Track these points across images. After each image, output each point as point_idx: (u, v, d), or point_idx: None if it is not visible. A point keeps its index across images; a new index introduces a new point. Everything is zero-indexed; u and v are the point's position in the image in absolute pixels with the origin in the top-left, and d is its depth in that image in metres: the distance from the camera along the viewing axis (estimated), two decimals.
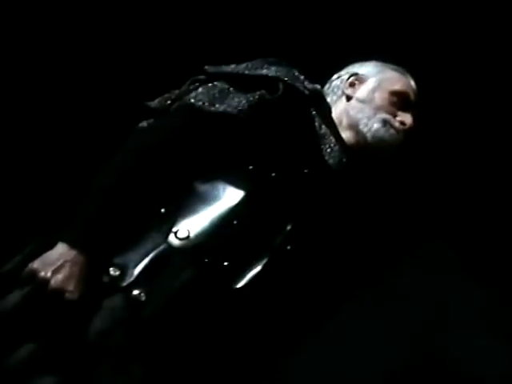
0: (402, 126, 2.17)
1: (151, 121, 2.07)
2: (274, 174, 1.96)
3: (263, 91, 2.00)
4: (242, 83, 2.02)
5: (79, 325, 1.78)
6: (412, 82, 2.23)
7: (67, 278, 1.77)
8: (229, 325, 1.92)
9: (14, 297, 1.80)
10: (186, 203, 1.93)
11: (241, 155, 1.97)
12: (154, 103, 2.09)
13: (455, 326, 3.20)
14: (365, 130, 2.15)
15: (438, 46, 2.98)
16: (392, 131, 2.16)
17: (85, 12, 2.94)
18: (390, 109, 2.17)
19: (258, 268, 1.91)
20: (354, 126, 2.16)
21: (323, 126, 2.08)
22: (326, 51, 2.72)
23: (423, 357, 3.19)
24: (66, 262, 1.78)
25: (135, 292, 1.82)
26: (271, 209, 1.96)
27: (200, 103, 1.99)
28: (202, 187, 1.95)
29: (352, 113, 2.18)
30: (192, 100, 2.00)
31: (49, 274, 1.76)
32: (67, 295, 1.76)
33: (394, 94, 2.18)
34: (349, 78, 2.23)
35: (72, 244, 1.80)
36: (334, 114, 2.15)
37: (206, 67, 2.10)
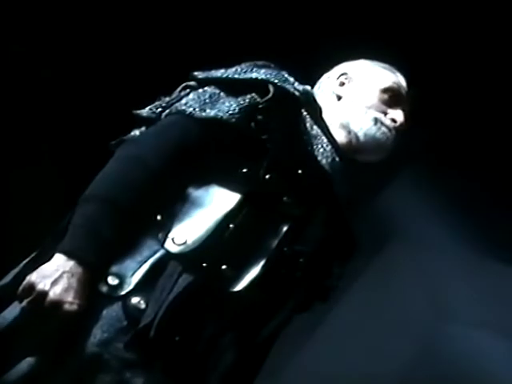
0: (393, 124, 2.18)
1: (143, 129, 2.07)
2: (267, 177, 1.96)
3: (254, 94, 2.00)
4: (232, 87, 2.02)
5: (79, 336, 1.78)
6: (401, 79, 2.24)
7: (66, 290, 1.76)
8: (228, 328, 1.91)
9: (13, 310, 1.79)
10: (182, 209, 1.92)
11: (234, 159, 1.97)
12: (145, 111, 2.09)
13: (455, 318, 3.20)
14: (356, 129, 2.16)
15: (427, 39, 2.99)
16: (384, 129, 2.17)
17: (74, 22, 2.95)
18: (381, 106, 2.18)
19: (257, 271, 1.91)
20: (345, 126, 2.17)
21: (315, 127, 2.09)
22: (313, 52, 2.73)
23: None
24: (63, 273, 1.77)
25: (134, 300, 1.82)
26: (266, 211, 1.96)
27: (191, 109, 1.99)
28: (197, 192, 1.95)
29: (343, 112, 2.19)
30: (183, 107, 2.00)
31: (47, 286, 1.75)
32: (66, 307, 1.75)
33: (383, 91, 2.19)
34: (338, 78, 2.23)
35: (69, 255, 1.79)
36: (325, 114, 2.15)
37: (196, 73, 2.11)
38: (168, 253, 1.87)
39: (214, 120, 1.96)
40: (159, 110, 2.07)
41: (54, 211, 2.08)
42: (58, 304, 1.75)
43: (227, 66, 2.09)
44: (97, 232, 1.82)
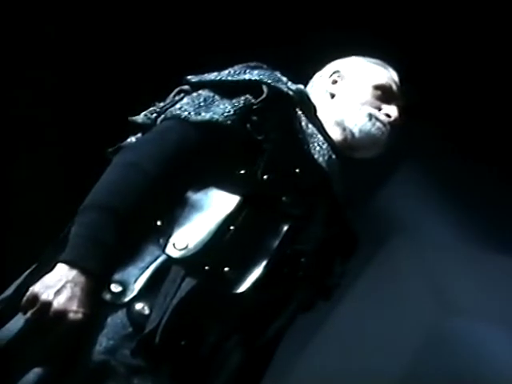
0: (387, 119, 2.19)
1: (139, 135, 2.07)
2: (265, 177, 1.96)
3: (248, 95, 2.00)
4: (226, 89, 2.03)
5: (85, 345, 1.78)
6: (394, 74, 2.25)
7: (69, 299, 1.76)
8: (233, 330, 1.91)
9: (18, 322, 1.79)
10: (182, 213, 1.92)
11: (231, 161, 1.97)
12: (141, 117, 2.09)
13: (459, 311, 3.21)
14: (351, 125, 2.17)
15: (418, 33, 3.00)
16: (378, 124, 2.17)
17: (65, 31, 2.95)
18: (375, 102, 2.19)
19: (259, 271, 1.91)
20: (340, 123, 2.17)
21: (310, 125, 2.09)
22: (303, 50, 2.73)
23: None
24: (67, 282, 1.77)
25: (138, 306, 1.82)
26: (266, 212, 1.96)
27: (186, 113, 1.99)
28: (196, 196, 1.95)
29: (337, 110, 2.19)
30: (178, 111, 2.00)
31: (51, 296, 1.75)
32: (71, 316, 1.75)
33: (376, 87, 2.20)
34: (331, 76, 2.24)
35: (72, 264, 1.79)
36: (320, 113, 2.16)
37: (189, 77, 2.11)
38: (170, 258, 1.87)
39: (210, 123, 1.96)
40: (154, 115, 2.08)
41: (54, 220, 2.07)
42: (62, 313, 1.75)
43: (219, 67, 2.09)
44: (98, 240, 1.82)
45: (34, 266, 1.90)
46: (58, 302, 1.75)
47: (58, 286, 1.76)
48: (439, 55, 3.09)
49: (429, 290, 3.37)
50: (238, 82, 2.03)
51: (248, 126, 1.98)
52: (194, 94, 2.04)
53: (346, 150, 2.18)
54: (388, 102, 2.20)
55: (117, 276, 1.84)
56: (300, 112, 2.08)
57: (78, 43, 3.02)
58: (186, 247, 1.88)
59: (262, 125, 1.99)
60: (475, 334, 3.27)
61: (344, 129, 2.17)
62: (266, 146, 1.98)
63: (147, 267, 1.86)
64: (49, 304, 1.75)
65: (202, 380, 1.88)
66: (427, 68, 3.09)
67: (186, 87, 2.10)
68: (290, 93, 2.05)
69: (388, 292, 3.36)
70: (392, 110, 2.20)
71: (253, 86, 2.01)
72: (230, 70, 2.08)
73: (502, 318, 3.25)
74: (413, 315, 3.33)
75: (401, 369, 3.27)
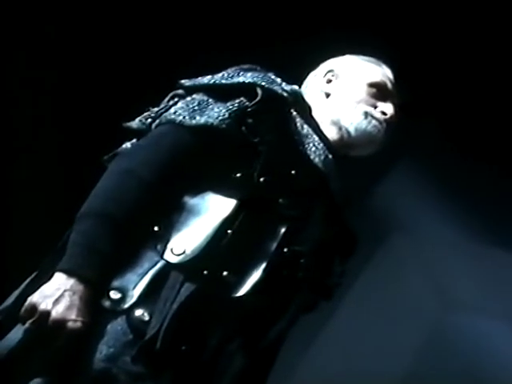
0: (383, 116, 2.18)
1: (134, 141, 2.07)
2: (262, 180, 1.96)
3: (242, 98, 2.00)
4: (220, 93, 2.02)
5: (85, 353, 1.78)
6: (388, 72, 2.24)
7: (68, 308, 1.76)
8: (234, 334, 1.91)
9: (17, 333, 1.79)
10: (179, 219, 1.92)
11: (227, 164, 1.97)
12: (135, 123, 2.09)
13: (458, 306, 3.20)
14: (347, 124, 2.16)
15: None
16: (374, 122, 2.17)
17: (58, 38, 2.94)
18: (370, 100, 2.18)
19: (258, 274, 1.91)
20: (336, 122, 2.17)
21: (305, 126, 2.09)
22: (297, 50, 2.73)
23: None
24: (65, 291, 1.77)
25: (138, 313, 1.81)
26: (263, 214, 1.95)
27: (180, 118, 1.98)
28: (193, 201, 1.94)
29: (332, 109, 2.19)
30: (172, 116, 2.00)
31: (49, 306, 1.75)
32: (70, 325, 1.75)
33: (371, 85, 2.19)
34: (325, 75, 2.23)
35: (69, 273, 1.79)
36: (315, 113, 2.16)
37: (183, 81, 2.10)
38: (168, 263, 1.87)
39: (205, 127, 1.96)
40: (149, 120, 2.07)
41: (54, 222, 2.07)
42: (61, 323, 1.75)
43: (214, 68, 2.09)
44: (95, 248, 1.82)
45: (32, 276, 1.91)
46: (57, 312, 1.75)
47: (57, 295, 1.76)
48: (435, 53, 3.09)
49: (429, 287, 3.37)
50: (231, 85, 2.03)
51: (243, 128, 1.98)
52: (188, 99, 2.04)
53: (343, 148, 2.18)
54: (383, 99, 2.20)
55: (116, 283, 1.83)
56: (295, 113, 2.08)
57: (77, 46, 3.02)
58: (184, 252, 1.87)
59: (257, 127, 1.99)
60: (477, 330, 3.26)
61: (340, 128, 2.17)
62: (262, 148, 1.97)
63: (146, 273, 1.86)
64: (47, 313, 1.75)
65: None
66: (424, 66, 3.09)
67: (180, 91, 2.10)
68: (285, 94, 2.05)
69: (388, 290, 3.36)
70: (387, 108, 2.19)
71: (247, 89, 2.01)
72: (224, 73, 2.08)
73: (503, 313, 3.25)
74: (414, 313, 3.33)
75: (403, 367, 3.27)
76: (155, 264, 1.87)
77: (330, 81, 2.22)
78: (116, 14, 2.90)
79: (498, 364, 3.20)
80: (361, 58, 2.25)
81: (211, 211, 1.92)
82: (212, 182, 1.96)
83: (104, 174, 1.94)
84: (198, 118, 1.97)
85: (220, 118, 1.97)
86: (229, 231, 1.90)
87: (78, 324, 1.76)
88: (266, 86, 2.02)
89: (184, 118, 1.98)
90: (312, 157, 2.06)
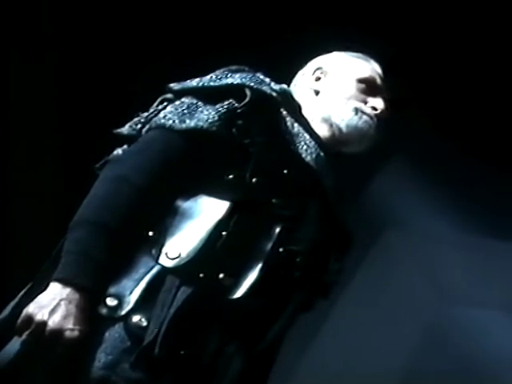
0: (374, 111, 2.18)
1: (125, 147, 2.07)
2: (254, 180, 1.96)
3: (231, 100, 2.00)
4: (209, 95, 2.02)
5: (84, 362, 1.77)
6: (376, 66, 2.24)
7: (65, 317, 1.75)
8: (232, 336, 1.91)
9: (15, 345, 1.78)
10: (173, 223, 1.92)
11: (219, 166, 1.96)
12: (126, 129, 2.09)
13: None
14: (338, 121, 2.16)
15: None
16: (365, 117, 2.16)
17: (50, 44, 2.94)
18: (360, 96, 2.18)
19: (255, 275, 1.91)
20: (326, 120, 2.17)
21: (296, 125, 2.08)
22: (286, 50, 2.73)
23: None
24: (61, 300, 1.76)
25: (135, 318, 1.81)
26: (257, 215, 1.95)
27: (170, 122, 1.98)
28: (186, 204, 1.94)
29: (323, 107, 2.18)
30: (162, 120, 2.00)
31: (45, 316, 1.75)
32: (67, 334, 1.75)
33: (360, 81, 2.19)
34: (313, 73, 2.23)
35: (65, 282, 1.79)
36: (305, 111, 2.15)
37: (171, 85, 2.10)
38: (164, 268, 1.87)
39: (195, 130, 1.96)
40: (139, 126, 2.07)
41: (46, 238, 2.07)
42: (58, 332, 1.75)
43: (203, 69, 2.09)
44: (90, 256, 1.82)
45: (28, 286, 1.90)
46: (54, 321, 1.75)
47: (53, 304, 1.76)
48: (425, 47, 3.08)
49: (426, 282, 3.37)
50: (220, 87, 2.03)
51: (234, 130, 1.98)
52: (178, 102, 2.03)
53: (335, 145, 2.17)
54: (373, 94, 2.19)
55: (112, 289, 1.83)
56: (285, 112, 2.08)
57: (67, 54, 3.02)
58: (179, 256, 1.87)
59: (247, 128, 1.98)
60: (475, 324, 3.26)
61: (331, 125, 2.16)
62: (253, 149, 1.97)
63: (142, 278, 1.86)
64: (44, 324, 1.75)
65: None
66: (414, 61, 3.08)
67: (169, 95, 2.10)
68: (274, 94, 2.05)
69: (385, 287, 3.36)
70: (378, 103, 2.19)
71: (236, 90, 2.01)
72: (212, 75, 2.08)
73: (501, 305, 3.25)
74: (412, 308, 3.33)
75: (402, 363, 3.27)
76: (151, 269, 1.87)
77: (318, 78, 2.22)
78: (99, 21, 2.90)
79: (497, 357, 3.20)
80: (349, 54, 2.25)
81: (205, 214, 1.92)
82: (204, 185, 1.95)
83: (96, 182, 1.94)
84: (187, 121, 1.97)
85: (210, 120, 1.97)
86: (223, 233, 1.90)
87: (76, 333, 1.76)
88: (255, 86, 2.02)
89: (174, 122, 1.98)
90: (304, 155, 2.05)
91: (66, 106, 2.88)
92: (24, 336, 1.76)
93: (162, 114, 2.02)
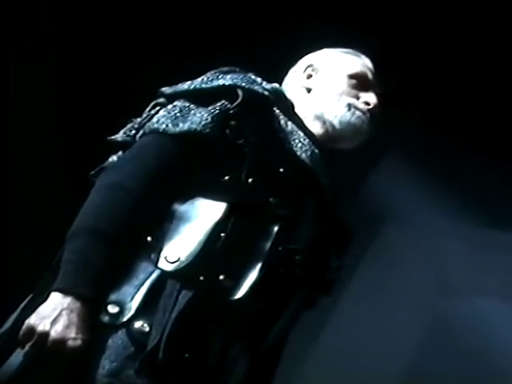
0: (366, 107, 2.17)
1: (120, 154, 2.07)
2: (250, 180, 1.95)
3: (224, 101, 2.00)
4: (201, 98, 2.02)
5: (88, 370, 1.77)
6: (368, 62, 2.24)
7: (67, 326, 1.75)
8: (235, 337, 1.91)
9: (18, 357, 1.78)
10: (170, 227, 1.92)
11: (214, 168, 1.96)
12: (120, 136, 2.09)
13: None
14: (331, 117, 2.16)
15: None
16: (358, 113, 2.16)
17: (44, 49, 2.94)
18: (352, 92, 2.18)
19: (255, 275, 1.91)
20: (319, 117, 2.16)
21: (289, 123, 2.08)
22: (277, 48, 2.72)
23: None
24: (62, 310, 1.76)
25: (137, 324, 1.81)
26: (255, 215, 1.95)
27: (164, 126, 1.98)
28: (183, 207, 1.94)
29: (315, 104, 2.18)
30: (155, 125, 2.00)
31: (47, 327, 1.74)
32: (70, 343, 1.75)
33: (352, 76, 2.19)
34: (305, 71, 2.23)
35: (65, 291, 1.78)
36: (298, 109, 2.15)
37: (163, 89, 2.10)
38: (164, 272, 1.87)
39: (189, 133, 1.96)
40: (133, 132, 2.07)
41: (43, 248, 2.07)
42: (61, 342, 1.74)
43: (194, 71, 2.08)
44: (89, 264, 1.81)
45: (28, 298, 1.90)
46: (56, 331, 1.74)
47: (54, 314, 1.76)
48: (416, 42, 3.08)
49: (428, 274, 3.37)
50: (212, 88, 2.03)
51: (227, 131, 1.98)
52: (170, 106, 2.03)
53: (329, 142, 2.17)
54: (365, 89, 2.19)
55: (113, 296, 1.83)
56: (278, 111, 2.07)
57: (61, 59, 3.02)
58: (178, 260, 1.87)
59: (241, 129, 1.98)
60: (477, 316, 3.26)
61: (324, 122, 2.16)
62: (248, 149, 1.97)
63: (142, 284, 1.85)
64: (46, 334, 1.74)
65: None
66: (406, 55, 3.08)
67: (161, 100, 2.09)
68: (266, 93, 2.05)
69: (387, 281, 3.36)
70: (370, 98, 2.18)
71: (227, 91, 2.00)
72: (203, 77, 2.07)
73: (502, 294, 3.26)
74: (414, 301, 3.33)
75: (405, 357, 3.27)
76: (151, 274, 1.86)
77: (310, 76, 2.22)
78: (99, 22, 2.90)
79: (500, 348, 3.20)
80: (339, 50, 2.25)
81: (202, 216, 1.92)
82: (201, 187, 1.95)
83: (92, 190, 1.93)
84: (181, 124, 1.97)
85: (203, 122, 1.96)
86: (221, 235, 1.90)
87: (78, 342, 1.75)
88: (247, 86, 2.02)
89: (167, 126, 1.98)
90: (299, 153, 2.05)
91: (66, 107, 2.88)
92: (27, 348, 1.76)
93: (155, 119, 2.02)
